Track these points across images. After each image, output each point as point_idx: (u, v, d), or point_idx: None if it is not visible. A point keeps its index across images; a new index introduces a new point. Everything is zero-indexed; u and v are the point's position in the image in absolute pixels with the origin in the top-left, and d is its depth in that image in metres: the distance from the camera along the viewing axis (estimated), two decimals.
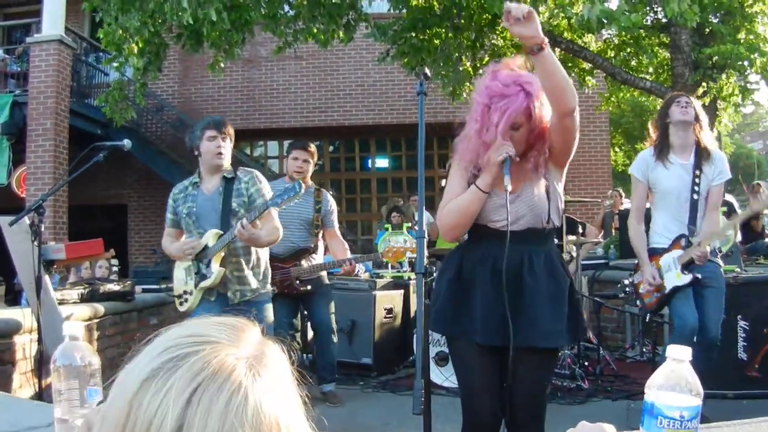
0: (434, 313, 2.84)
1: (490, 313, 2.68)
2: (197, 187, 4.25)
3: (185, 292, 4.23)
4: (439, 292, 2.90)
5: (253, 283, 4.20)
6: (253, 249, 4.21)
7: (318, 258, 5.69)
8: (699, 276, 4.21)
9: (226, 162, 4.21)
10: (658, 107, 4.99)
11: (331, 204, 5.69)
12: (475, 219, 2.80)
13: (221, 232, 4.06)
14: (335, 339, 5.74)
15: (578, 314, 2.96)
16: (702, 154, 4.27)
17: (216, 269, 4.06)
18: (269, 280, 4.40)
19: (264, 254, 4.37)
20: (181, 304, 4.27)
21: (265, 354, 0.86)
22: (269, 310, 4.36)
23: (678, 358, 1.15)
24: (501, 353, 2.72)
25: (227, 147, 4.19)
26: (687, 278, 4.21)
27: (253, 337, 0.87)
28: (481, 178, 2.72)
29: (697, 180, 4.25)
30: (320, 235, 5.70)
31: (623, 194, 11.00)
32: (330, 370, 5.72)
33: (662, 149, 4.33)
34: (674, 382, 1.14)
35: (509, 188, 2.58)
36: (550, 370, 3.06)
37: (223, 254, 4.08)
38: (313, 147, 5.66)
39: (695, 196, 4.27)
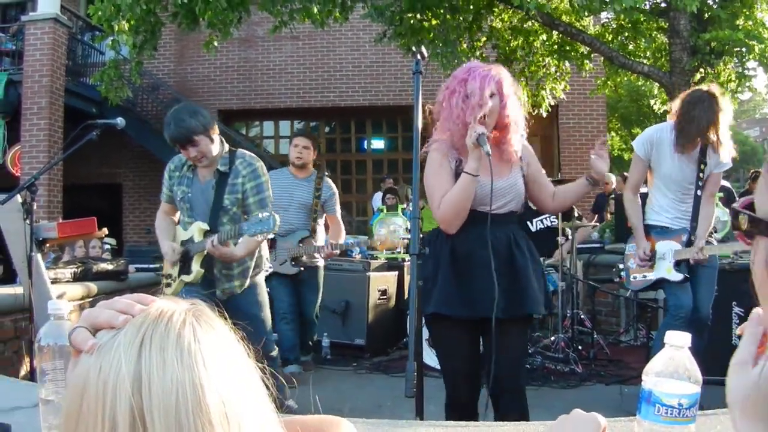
0: (440, 295, 3.01)
1: (489, 289, 2.88)
2: (193, 171, 4.02)
3: (170, 276, 4.13)
4: (436, 275, 3.04)
5: (242, 278, 4.07)
6: None
7: (317, 242, 5.74)
8: (688, 276, 4.20)
9: (210, 160, 3.92)
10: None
11: (333, 190, 5.84)
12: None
13: (207, 228, 3.89)
14: (316, 323, 6.01)
15: (547, 287, 3.31)
16: (708, 146, 4.14)
17: (195, 270, 3.95)
18: (263, 266, 4.27)
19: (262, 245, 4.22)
20: (167, 285, 4.17)
21: (201, 309, 0.85)
22: (262, 292, 4.26)
23: (677, 344, 1.13)
24: (487, 327, 2.94)
25: (204, 149, 3.83)
26: (677, 276, 4.20)
27: (188, 301, 0.87)
28: (468, 164, 2.94)
29: (701, 174, 4.20)
30: (319, 220, 5.83)
31: (617, 180, 10.92)
32: (294, 349, 5.74)
33: (684, 145, 4.13)
34: (673, 369, 1.11)
35: (489, 150, 2.80)
36: (528, 336, 3.48)
37: (205, 253, 3.90)
38: (311, 135, 5.85)
39: (699, 192, 4.23)
